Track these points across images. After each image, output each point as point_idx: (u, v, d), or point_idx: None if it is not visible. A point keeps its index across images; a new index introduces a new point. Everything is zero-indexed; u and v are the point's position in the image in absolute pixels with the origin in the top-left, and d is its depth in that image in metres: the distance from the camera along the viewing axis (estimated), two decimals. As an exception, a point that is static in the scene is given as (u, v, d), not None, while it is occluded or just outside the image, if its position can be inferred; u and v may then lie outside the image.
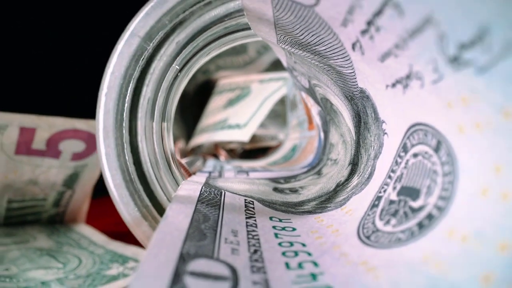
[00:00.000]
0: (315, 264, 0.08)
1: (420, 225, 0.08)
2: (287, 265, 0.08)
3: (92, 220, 0.34)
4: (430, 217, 0.08)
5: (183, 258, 0.08)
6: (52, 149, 0.27)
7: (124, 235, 0.29)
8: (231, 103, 0.42)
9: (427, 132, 0.09)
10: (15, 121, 0.24)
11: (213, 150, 0.40)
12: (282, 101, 0.38)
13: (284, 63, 0.20)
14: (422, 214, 0.08)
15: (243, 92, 0.42)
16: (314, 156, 0.23)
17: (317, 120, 0.21)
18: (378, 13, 0.07)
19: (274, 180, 0.19)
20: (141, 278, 0.07)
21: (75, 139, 0.27)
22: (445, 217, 0.07)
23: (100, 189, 0.32)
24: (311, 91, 0.20)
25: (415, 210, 0.08)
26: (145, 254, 0.08)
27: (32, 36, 0.39)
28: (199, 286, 0.07)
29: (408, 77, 0.08)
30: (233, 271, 0.08)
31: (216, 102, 0.43)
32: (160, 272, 0.07)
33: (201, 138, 0.38)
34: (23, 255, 0.26)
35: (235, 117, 0.39)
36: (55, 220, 0.34)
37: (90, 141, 0.27)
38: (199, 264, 0.08)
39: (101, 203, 0.35)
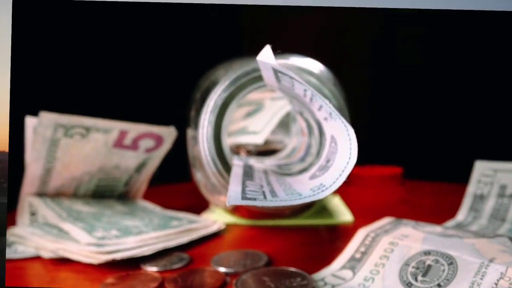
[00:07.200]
0: (291, 185, 0.24)
1: (325, 170, 0.24)
2: (279, 185, 0.24)
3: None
4: (327, 168, 0.23)
5: (243, 180, 0.24)
6: (134, 144, 0.43)
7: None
8: (249, 114, 0.57)
9: (334, 138, 0.24)
10: (118, 126, 0.41)
11: (235, 151, 0.55)
12: (287, 114, 0.53)
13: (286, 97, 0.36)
14: (327, 167, 0.24)
15: (258, 106, 0.57)
16: (304, 153, 0.39)
17: (305, 130, 0.38)
18: (311, 99, 0.23)
19: (279, 165, 0.35)
20: (231, 186, 0.23)
21: (149, 138, 0.43)
22: (332, 166, 0.23)
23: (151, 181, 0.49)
24: (301, 113, 0.36)
25: (327, 166, 0.24)
26: (230, 179, 0.24)
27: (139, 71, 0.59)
28: (250, 184, 0.23)
29: (326, 118, 0.24)
30: (260, 184, 0.24)
31: (237, 114, 0.58)
32: (237, 184, 0.23)
33: (226, 141, 0.54)
34: (113, 214, 0.43)
35: (252, 125, 0.54)
36: (122, 196, 0.50)
37: (158, 140, 0.44)
38: (249, 182, 0.24)
39: (152, 191, 0.52)
